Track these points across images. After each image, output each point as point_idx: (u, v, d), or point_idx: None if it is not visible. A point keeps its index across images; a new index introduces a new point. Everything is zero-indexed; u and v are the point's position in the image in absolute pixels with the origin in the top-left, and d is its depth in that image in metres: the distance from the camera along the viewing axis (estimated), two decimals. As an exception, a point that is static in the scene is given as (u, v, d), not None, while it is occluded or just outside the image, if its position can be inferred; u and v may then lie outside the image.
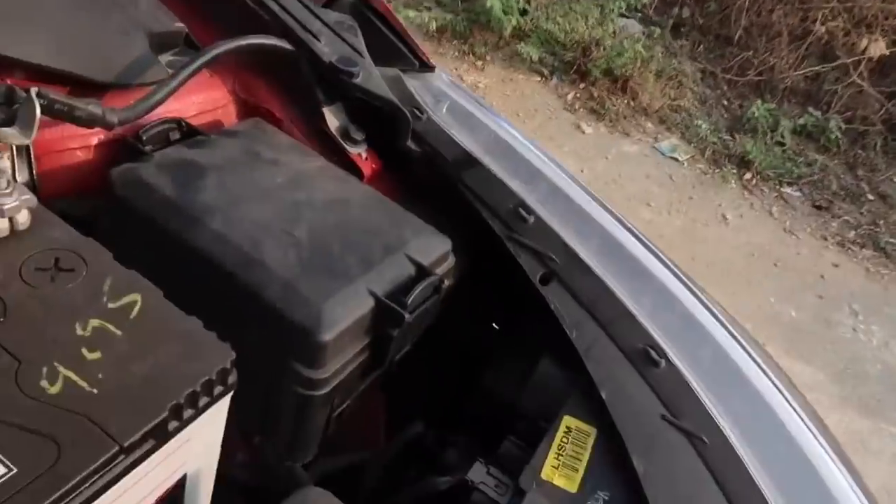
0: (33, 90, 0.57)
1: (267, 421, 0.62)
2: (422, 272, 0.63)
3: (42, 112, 0.59)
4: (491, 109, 0.87)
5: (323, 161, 0.72)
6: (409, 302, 0.60)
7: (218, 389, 0.50)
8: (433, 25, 3.59)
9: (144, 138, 0.68)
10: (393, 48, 0.85)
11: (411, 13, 3.57)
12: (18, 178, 0.63)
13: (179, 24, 0.79)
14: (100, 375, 0.46)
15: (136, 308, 0.51)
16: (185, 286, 0.60)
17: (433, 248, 0.67)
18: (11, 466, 0.41)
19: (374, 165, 0.79)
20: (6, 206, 0.50)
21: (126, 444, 0.44)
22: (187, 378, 0.48)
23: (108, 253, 0.54)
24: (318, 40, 0.76)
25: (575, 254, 0.73)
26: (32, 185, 0.64)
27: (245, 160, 0.68)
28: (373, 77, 0.77)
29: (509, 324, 0.85)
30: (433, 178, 0.78)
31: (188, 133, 0.71)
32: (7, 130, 0.56)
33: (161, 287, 0.53)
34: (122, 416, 0.45)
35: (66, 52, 0.69)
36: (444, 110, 0.81)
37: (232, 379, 0.52)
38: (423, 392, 0.87)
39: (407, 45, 0.86)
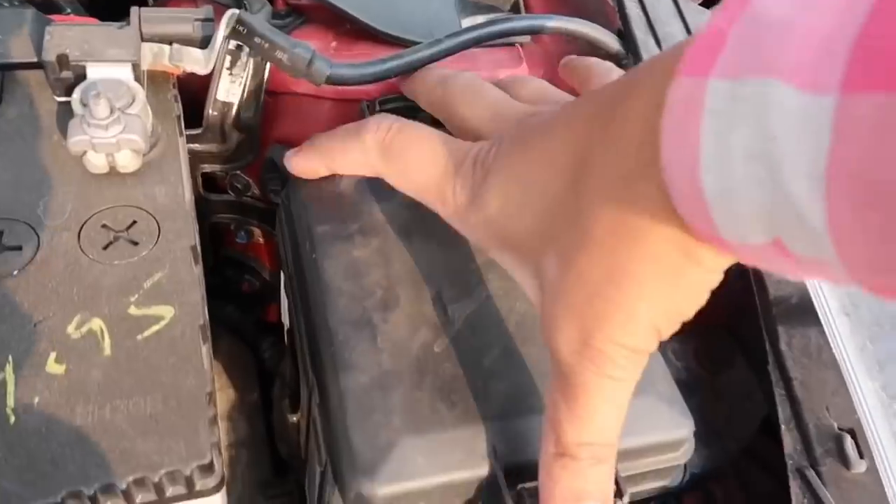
0: (232, 12, 0.46)
1: None
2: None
3: (235, 38, 0.47)
4: None
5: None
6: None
7: (179, 489, 0.34)
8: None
9: (378, 110, 0.53)
10: None
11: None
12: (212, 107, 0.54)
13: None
14: (36, 400, 0.34)
15: (157, 326, 0.37)
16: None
17: (653, 425, 0.40)
18: None
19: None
20: (97, 140, 0.40)
21: (-21, 516, 0.31)
22: (147, 456, 0.33)
23: (191, 235, 0.41)
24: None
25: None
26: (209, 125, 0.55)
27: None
28: None
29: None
30: (750, 312, 0.48)
31: (438, 122, 0.53)
32: (189, 50, 0.45)
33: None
34: (8, 477, 0.32)
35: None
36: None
37: (213, 483, 0.35)
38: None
39: None
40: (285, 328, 0.58)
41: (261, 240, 0.68)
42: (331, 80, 0.48)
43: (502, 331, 0.37)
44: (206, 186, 0.62)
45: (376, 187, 0.44)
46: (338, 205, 0.43)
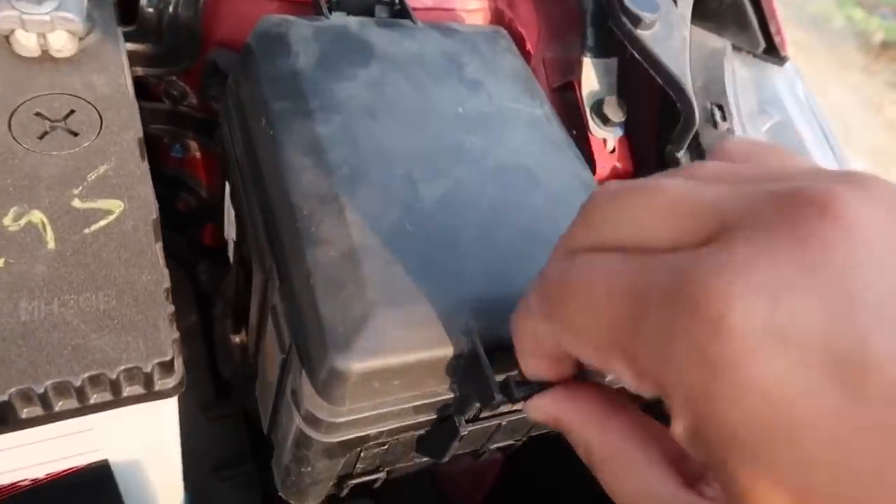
0: None
1: (272, 428, 0.43)
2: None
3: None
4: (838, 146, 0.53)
5: (547, 112, 0.44)
6: (517, 393, 0.34)
7: (137, 389, 0.32)
8: (879, 37, 2.91)
9: (335, 0, 0.48)
10: (738, 14, 0.55)
11: (857, 14, 2.93)
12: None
13: None
14: (-28, 294, 0.31)
15: (105, 221, 0.34)
16: (243, 200, 0.42)
17: None
18: None
19: (619, 164, 0.53)
20: (28, 17, 0.36)
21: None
22: (103, 352, 0.31)
23: (137, 127, 0.38)
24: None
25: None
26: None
27: (440, 70, 0.43)
28: (672, 38, 0.49)
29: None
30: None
31: (398, 13, 0.50)
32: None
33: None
34: (-54, 369, 0.29)
35: None
36: (765, 129, 0.50)
37: (172, 383, 0.33)
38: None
39: (761, 17, 0.55)
40: (230, 242, 0.56)
41: (197, 154, 0.64)
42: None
43: (476, 213, 0.35)
44: (138, 93, 0.58)
45: (336, 65, 0.41)
46: (294, 82, 0.39)
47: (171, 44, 0.54)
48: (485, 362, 0.31)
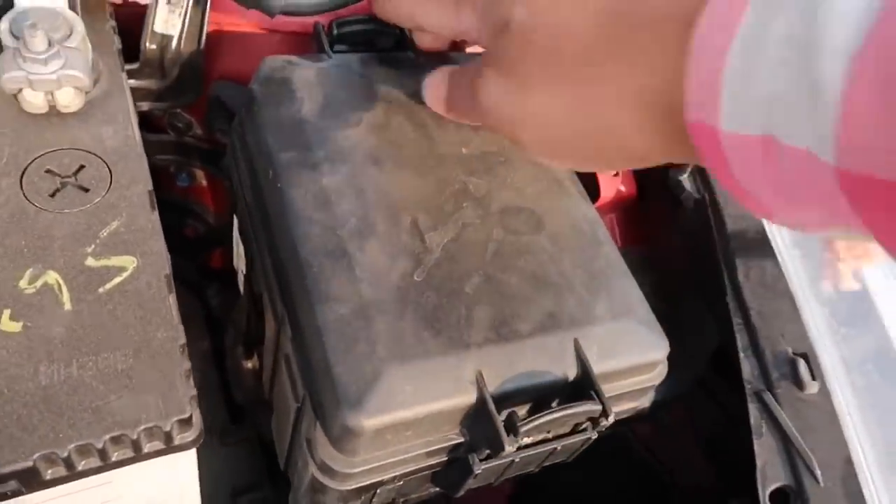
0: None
1: (288, 467, 0.44)
2: (584, 383, 0.36)
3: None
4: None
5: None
6: (522, 428, 0.34)
7: (157, 444, 0.33)
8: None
9: (336, 34, 0.49)
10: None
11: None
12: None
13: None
14: (-7, 360, 0.32)
15: (120, 278, 0.35)
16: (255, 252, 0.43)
17: (633, 347, 0.40)
18: None
19: (623, 187, 0.53)
20: (35, 76, 0.36)
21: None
22: (122, 413, 0.32)
23: (146, 179, 0.39)
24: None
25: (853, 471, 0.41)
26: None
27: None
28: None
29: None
30: (706, 246, 0.50)
31: (399, 43, 0.50)
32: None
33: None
34: (-27, 438, 0.30)
35: None
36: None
37: (191, 437, 0.34)
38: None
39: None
40: (239, 274, 0.56)
41: (203, 182, 0.65)
42: (286, 11, 0.45)
43: (481, 258, 0.36)
44: (143, 126, 0.58)
45: (340, 111, 0.41)
46: (299, 131, 0.40)
47: (174, 79, 0.54)
48: (493, 413, 0.32)
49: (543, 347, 0.35)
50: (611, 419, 0.35)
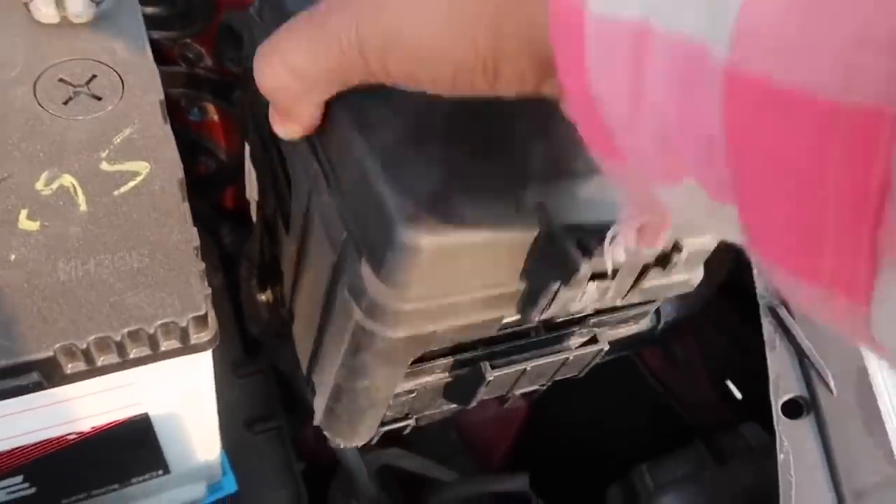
0: None
1: (312, 365, 0.41)
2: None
3: None
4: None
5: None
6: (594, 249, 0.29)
7: (173, 343, 0.33)
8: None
9: None
10: None
11: None
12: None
13: None
14: (12, 257, 0.32)
15: (134, 182, 0.35)
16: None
17: None
18: None
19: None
20: (46, -17, 0.36)
21: (-35, 372, 0.29)
22: (139, 308, 0.32)
23: (158, 89, 0.39)
24: None
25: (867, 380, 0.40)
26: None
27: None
28: None
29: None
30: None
31: None
32: None
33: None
34: (10, 328, 0.30)
35: None
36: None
37: (207, 337, 0.34)
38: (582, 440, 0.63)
39: None
40: (252, 203, 0.57)
41: (215, 117, 0.65)
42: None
43: (530, 103, 0.31)
44: (154, 57, 0.58)
45: None
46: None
47: (184, 6, 0.54)
48: (561, 234, 0.29)
49: (602, 187, 0.31)
50: (683, 255, 0.31)
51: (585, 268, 0.28)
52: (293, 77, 0.28)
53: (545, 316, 0.33)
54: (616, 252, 0.28)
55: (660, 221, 0.27)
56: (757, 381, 0.47)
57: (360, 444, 0.44)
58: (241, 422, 0.63)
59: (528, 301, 0.32)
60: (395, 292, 0.30)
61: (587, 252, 0.28)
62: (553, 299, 0.31)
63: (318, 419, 0.41)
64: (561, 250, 0.29)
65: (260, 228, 0.54)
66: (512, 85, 0.23)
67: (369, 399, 0.36)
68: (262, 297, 0.63)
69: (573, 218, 0.30)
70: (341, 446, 0.52)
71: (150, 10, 0.53)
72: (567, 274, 0.29)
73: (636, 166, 0.20)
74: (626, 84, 0.18)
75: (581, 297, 0.31)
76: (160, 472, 0.49)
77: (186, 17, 0.55)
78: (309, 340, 0.40)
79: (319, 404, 0.40)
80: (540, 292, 0.31)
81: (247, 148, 0.53)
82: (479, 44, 0.22)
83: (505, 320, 0.34)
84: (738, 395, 0.64)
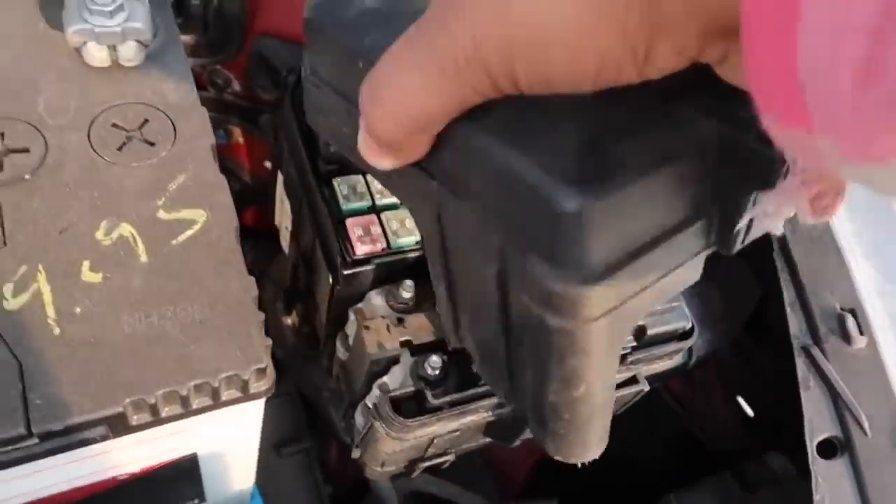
0: None
1: (512, 393, 0.34)
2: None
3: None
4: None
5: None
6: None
7: (234, 393, 0.34)
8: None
9: None
10: None
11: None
12: None
13: None
14: (77, 310, 0.32)
15: (191, 231, 0.35)
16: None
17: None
18: None
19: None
20: (100, 29, 0.36)
21: (40, 433, 0.30)
22: (205, 361, 0.32)
23: (209, 133, 0.39)
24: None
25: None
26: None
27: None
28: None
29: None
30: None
31: None
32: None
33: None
34: (65, 388, 0.30)
35: None
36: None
37: (265, 386, 0.35)
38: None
39: None
40: (282, 229, 0.57)
41: (240, 140, 0.65)
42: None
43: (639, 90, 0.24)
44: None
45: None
46: (374, 15, 0.31)
47: (216, 34, 0.54)
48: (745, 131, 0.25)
49: None
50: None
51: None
52: (409, 118, 0.25)
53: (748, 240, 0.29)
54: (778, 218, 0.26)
55: (836, 190, 0.24)
56: (783, 407, 0.48)
57: (594, 458, 0.37)
58: (269, 445, 0.63)
59: (723, 225, 0.28)
60: (576, 272, 0.25)
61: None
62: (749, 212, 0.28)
63: (550, 450, 0.35)
64: (752, 150, 0.25)
65: (294, 257, 0.55)
66: (667, 63, 0.21)
67: (590, 406, 0.31)
68: (288, 321, 0.63)
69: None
70: (375, 472, 0.52)
71: (182, 38, 0.53)
72: (764, 174, 0.25)
73: (833, 136, 0.16)
74: (861, 46, 0.14)
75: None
76: (196, 500, 0.50)
77: (217, 44, 0.55)
78: (501, 369, 0.33)
79: (541, 425, 0.33)
80: (736, 211, 0.28)
81: (280, 177, 0.53)
82: (628, 26, 0.20)
83: (700, 255, 0.30)
84: (751, 413, 0.66)
